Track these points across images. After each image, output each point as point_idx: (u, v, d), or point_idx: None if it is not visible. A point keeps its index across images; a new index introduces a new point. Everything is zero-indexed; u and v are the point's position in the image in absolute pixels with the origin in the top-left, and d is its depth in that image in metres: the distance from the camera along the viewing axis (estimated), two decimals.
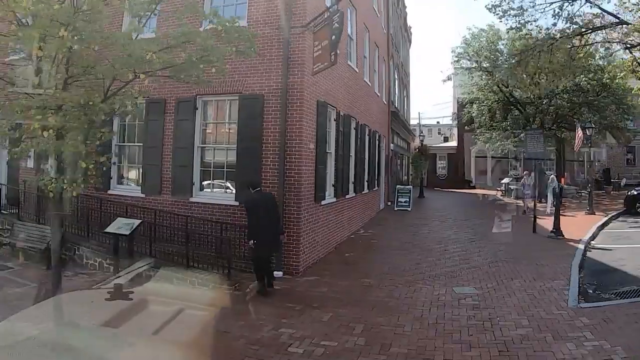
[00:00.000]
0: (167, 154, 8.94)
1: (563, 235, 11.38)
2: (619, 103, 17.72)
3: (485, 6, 14.42)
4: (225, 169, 8.80)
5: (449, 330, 5.38)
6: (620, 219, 14.34)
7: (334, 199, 10.17)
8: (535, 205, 13.12)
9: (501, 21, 15.11)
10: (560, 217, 11.86)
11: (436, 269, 8.51)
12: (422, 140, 22.99)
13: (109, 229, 7.74)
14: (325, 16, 7.43)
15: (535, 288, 6.99)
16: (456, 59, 20.45)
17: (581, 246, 10.28)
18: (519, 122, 20.03)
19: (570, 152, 20.28)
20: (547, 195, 15.72)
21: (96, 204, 9.34)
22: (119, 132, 9.70)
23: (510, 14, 13.98)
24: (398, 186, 18.13)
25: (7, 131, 4.91)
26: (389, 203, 18.24)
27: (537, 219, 12.49)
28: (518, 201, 18.52)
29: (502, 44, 19.32)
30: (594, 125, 15.35)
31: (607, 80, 17.33)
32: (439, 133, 49.14)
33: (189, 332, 5.29)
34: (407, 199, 17.21)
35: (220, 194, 8.87)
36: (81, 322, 5.25)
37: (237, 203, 8.26)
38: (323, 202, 9.26)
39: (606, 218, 13.88)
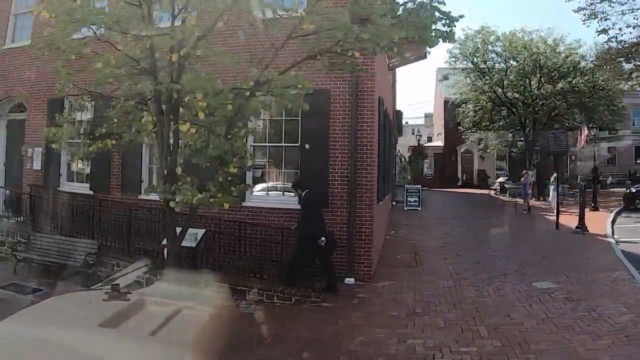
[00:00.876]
0: None
1: (588, 231, 11.76)
2: (609, 104, 18.83)
3: (573, 9, 14.90)
4: (283, 170, 8.17)
5: (565, 323, 5.36)
6: (623, 215, 15.02)
7: (382, 199, 9.83)
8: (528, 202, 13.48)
9: (584, 23, 15.60)
10: (563, 214, 12.45)
11: (497, 266, 8.50)
12: (418, 140, 23.20)
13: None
14: None
15: (605, 279, 7.13)
16: (453, 59, 20.80)
17: (611, 240, 10.72)
18: (514, 122, 20.71)
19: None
20: (550, 194, 16.26)
21: (124, 210, 8.32)
22: None
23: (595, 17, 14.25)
24: (407, 186, 18.07)
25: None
26: (394, 203, 18.16)
27: (548, 216, 12.97)
28: (517, 199, 19.15)
29: (499, 46, 19.88)
30: (595, 126, 16.14)
31: (602, 82, 18.35)
32: (413, 133, 50.17)
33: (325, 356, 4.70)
34: (417, 199, 17.17)
35: (278, 197, 8.22)
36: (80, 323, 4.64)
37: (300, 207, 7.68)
38: (380, 203, 8.89)
39: (612, 214, 14.59)
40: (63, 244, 7.65)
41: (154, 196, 8.35)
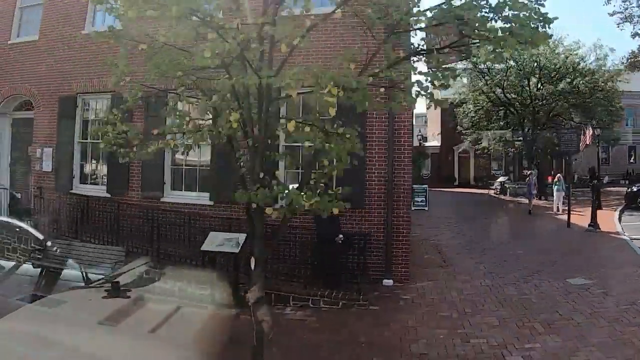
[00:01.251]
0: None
1: (599, 229, 11.93)
2: (607, 105, 19.24)
3: (608, 13, 15.01)
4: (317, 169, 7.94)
5: (612, 316, 5.44)
6: (626, 213, 15.32)
7: None
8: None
9: (618, 26, 15.77)
10: (574, 213, 12.68)
11: (525, 264, 8.47)
12: (420, 140, 23.24)
13: (207, 247, 6.47)
14: None
15: (633, 274, 7.34)
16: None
17: (624, 237, 10.96)
18: (513, 122, 20.93)
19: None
20: (554, 194, 16.35)
21: (147, 213, 7.97)
22: None
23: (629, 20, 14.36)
24: (414, 186, 18.01)
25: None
26: None
27: (553, 215, 13.19)
28: (519, 199, 19.37)
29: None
30: (597, 126, 16.42)
31: (602, 83, 18.73)
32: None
33: None
34: (424, 199, 17.14)
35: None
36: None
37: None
38: None
39: (617, 213, 14.87)
40: (84, 251, 7.21)
41: (177, 199, 8.17)
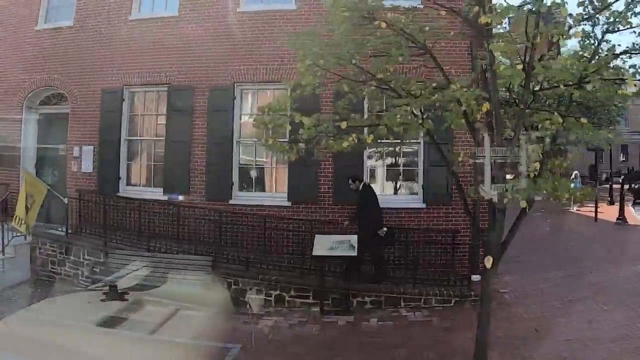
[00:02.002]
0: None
1: (627, 222, 12.37)
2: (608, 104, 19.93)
3: None
4: (401, 167, 7.63)
5: None
6: (636, 208, 16.12)
7: None
8: None
9: None
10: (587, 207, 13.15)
11: (584, 254, 8.68)
12: None
13: (319, 252, 5.97)
14: None
15: None
16: None
17: None
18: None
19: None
20: None
21: (208, 217, 7.33)
22: None
23: None
24: None
25: None
26: None
27: (572, 210, 13.79)
28: None
29: None
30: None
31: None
32: None
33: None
34: None
35: (404, 196, 7.63)
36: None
37: (424, 205, 7.23)
38: None
39: (631, 207, 15.46)
40: (168, 263, 6.51)
41: (247, 200, 7.56)
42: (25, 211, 6.71)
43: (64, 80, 8.57)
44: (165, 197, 7.86)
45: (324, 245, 5.96)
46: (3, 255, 7.10)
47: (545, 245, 10.04)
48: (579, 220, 13.74)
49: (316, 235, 6.23)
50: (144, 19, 8.21)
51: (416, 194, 7.48)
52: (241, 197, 7.68)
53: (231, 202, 7.63)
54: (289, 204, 7.43)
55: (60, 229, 7.74)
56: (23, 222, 6.74)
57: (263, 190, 7.88)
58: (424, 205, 7.25)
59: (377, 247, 6.45)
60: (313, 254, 5.95)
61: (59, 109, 8.92)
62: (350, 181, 6.64)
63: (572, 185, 14.81)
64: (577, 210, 15.26)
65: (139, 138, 8.34)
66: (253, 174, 7.93)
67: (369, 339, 5.14)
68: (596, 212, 13.21)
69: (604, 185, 21.37)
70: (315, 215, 7.27)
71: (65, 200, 7.54)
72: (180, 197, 7.54)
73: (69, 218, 7.66)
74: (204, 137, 7.78)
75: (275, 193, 7.71)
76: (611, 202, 16.15)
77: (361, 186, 6.58)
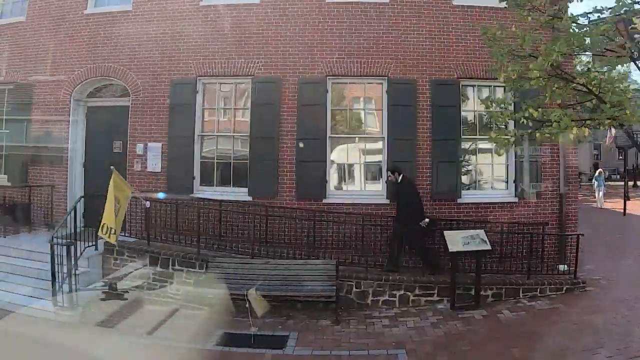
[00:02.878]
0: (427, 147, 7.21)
1: None
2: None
3: None
4: (493, 163, 7.55)
5: None
6: None
7: None
8: None
9: None
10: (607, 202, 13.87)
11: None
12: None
13: (454, 248, 5.81)
14: None
15: None
16: None
17: None
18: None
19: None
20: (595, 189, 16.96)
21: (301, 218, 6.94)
22: None
23: None
24: None
25: None
26: None
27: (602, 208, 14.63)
28: None
29: None
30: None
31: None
32: None
33: None
34: None
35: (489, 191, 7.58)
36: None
37: (516, 199, 7.29)
38: None
39: None
40: (293, 269, 6.05)
41: (343, 199, 7.21)
42: (113, 218, 5.96)
43: (124, 71, 7.73)
44: (249, 198, 7.34)
45: (456, 241, 5.88)
46: (76, 270, 6.23)
47: (597, 237, 10.40)
48: (609, 215, 14.35)
49: (444, 232, 6.08)
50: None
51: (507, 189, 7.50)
52: (336, 196, 7.32)
53: (325, 201, 7.25)
54: (387, 201, 7.17)
55: (126, 235, 7.03)
56: (113, 231, 5.98)
57: (359, 188, 7.54)
58: (516, 200, 7.30)
59: (419, 238, 6.44)
60: (450, 250, 5.83)
61: (114, 102, 8.07)
62: (389, 173, 6.68)
63: (597, 183, 15.40)
64: (601, 207, 15.84)
65: (213, 134, 7.70)
66: (346, 171, 7.59)
67: (520, 329, 5.14)
68: (625, 207, 13.90)
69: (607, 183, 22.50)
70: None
71: (148, 203, 6.81)
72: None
73: (148, 223, 6.95)
74: (293, 132, 7.31)
75: (373, 190, 7.41)
76: (627, 198, 17.05)
77: (400, 178, 6.55)
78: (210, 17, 7.56)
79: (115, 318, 5.56)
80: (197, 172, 7.65)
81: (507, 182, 7.53)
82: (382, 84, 7.39)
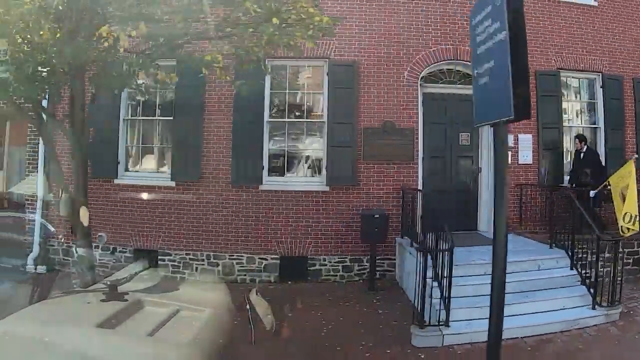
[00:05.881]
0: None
1: None
2: None
3: None
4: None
5: None
6: None
7: None
8: None
9: None
10: None
11: None
12: None
13: None
14: None
15: None
16: None
17: None
18: None
19: None
20: None
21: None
22: None
23: None
24: None
25: None
26: None
27: None
28: None
29: None
30: None
31: None
32: None
33: None
34: None
35: None
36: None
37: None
38: None
39: None
40: None
41: None
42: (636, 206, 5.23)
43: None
44: None
45: None
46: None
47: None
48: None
49: None
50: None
51: None
52: None
53: None
54: None
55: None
56: (636, 219, 5.22)
57: None
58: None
59: (591, 206, 6.33)
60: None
61: (454, 89, 6.99)
62: (576, 140, 6.93)
63: None
64: None
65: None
66: None
67: None
68: None
69: None
70: None
71: None
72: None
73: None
74: None
75: None
76: None
77: (585, 147, 6.84)
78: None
79: None
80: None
81: None
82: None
